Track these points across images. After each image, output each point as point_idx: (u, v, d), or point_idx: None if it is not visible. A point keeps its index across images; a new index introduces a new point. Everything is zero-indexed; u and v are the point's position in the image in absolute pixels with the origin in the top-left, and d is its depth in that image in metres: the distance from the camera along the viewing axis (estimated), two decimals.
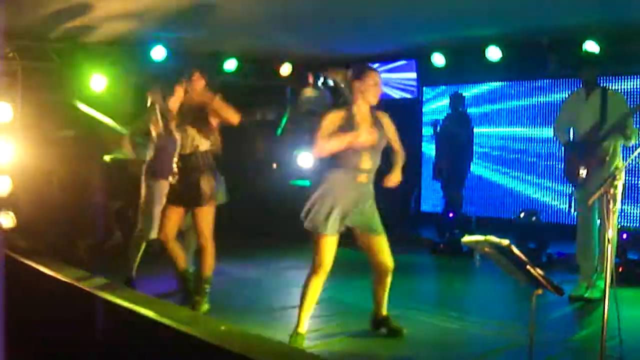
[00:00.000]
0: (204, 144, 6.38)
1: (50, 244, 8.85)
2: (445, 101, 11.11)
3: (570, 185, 7.28)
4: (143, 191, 7.24)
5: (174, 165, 6.45)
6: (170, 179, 6.53)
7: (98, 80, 9.86)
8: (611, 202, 4.46)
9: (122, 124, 9.56)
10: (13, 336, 5.79)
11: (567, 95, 8.19)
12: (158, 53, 10.03)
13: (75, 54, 9.76)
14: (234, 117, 6.33)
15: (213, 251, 6.41)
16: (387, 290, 5.75)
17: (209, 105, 6.30)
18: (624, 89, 9.83)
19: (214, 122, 6.38)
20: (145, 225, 7.17)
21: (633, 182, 9.79)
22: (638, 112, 7.76)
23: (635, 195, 9.84)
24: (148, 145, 7.36)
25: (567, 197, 7.74)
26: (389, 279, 5.69)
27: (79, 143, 9.63)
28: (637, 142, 7.02)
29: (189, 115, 6.41)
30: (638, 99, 9.68)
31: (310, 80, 11.93)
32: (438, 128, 10.70)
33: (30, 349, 6.60)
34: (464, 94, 10.85)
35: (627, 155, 7.02)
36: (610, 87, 7.29)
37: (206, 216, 6.33)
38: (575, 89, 7.79)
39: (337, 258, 5.44)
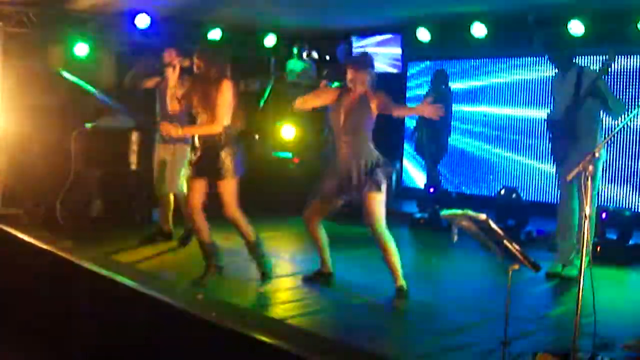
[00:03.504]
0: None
1: (30, 212, 8.81)
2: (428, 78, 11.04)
3: (554, 163, 7.31)
4: None
5: (196, 139, 6.51)
6: (191, 153, 6.66)
7: (81, 48, 9.76)
8: (589, 179, 4.46)
9: (104, 92, 9.49)
10: None
11: (550, 73, 8.14)
12: (142, 21, 9.94)
13: (58, 21, 9.65)
14: None
15: (243, 218, 6.46)
16: None
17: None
18: (610, 69, 9.78)
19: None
20: None
21: (615, 161, 9.82)
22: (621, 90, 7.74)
23: (616, 174, 9.88)
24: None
25: (550, 175, 7.75)
26: None
27: (61, 111, 9.55)
28: (620, 114, 7.04)
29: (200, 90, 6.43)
30: (623, 79, 9.69)
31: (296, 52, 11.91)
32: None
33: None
34: (447, 71, 10.81)
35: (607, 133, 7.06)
36: (586, 65, 7.25)
37: (229, 188, 6.36)
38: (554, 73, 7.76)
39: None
